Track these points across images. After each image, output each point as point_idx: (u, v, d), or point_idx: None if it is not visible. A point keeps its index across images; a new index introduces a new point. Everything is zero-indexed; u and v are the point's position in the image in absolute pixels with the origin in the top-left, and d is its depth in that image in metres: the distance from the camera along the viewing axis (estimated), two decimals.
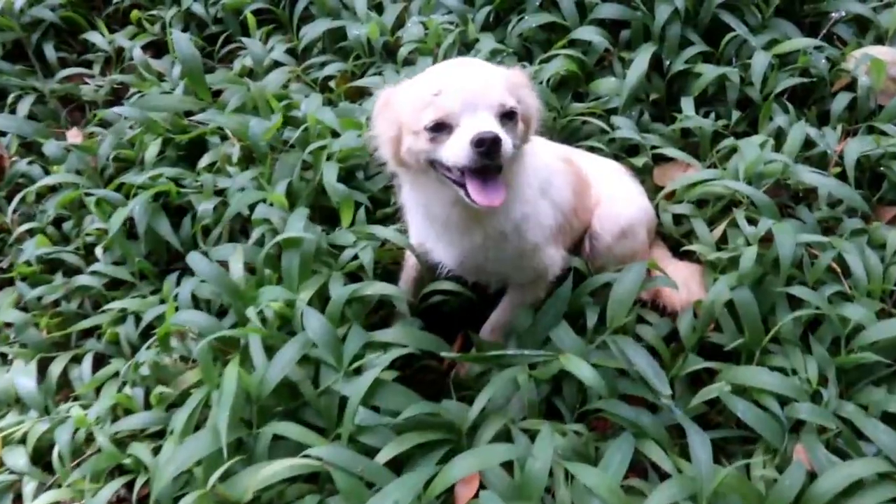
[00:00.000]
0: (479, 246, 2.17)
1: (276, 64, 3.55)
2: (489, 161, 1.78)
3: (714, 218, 2.79)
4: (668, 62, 3.26)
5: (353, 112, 3.01)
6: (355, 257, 2.48)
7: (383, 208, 2.84)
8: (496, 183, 1.84)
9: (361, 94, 3.31)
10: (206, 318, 2.37)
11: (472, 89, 1.81)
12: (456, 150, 1.80)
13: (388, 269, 2.70)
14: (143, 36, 3.87)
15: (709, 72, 3.17)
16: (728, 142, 2.99)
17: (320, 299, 2.32)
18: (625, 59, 3.27)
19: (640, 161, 2.98)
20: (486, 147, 1.74)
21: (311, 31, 3.59)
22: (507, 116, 1.86)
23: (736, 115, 3.12)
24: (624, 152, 3.07)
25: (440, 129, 1.83)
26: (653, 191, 2.92)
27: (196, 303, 2.50)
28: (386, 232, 2.54)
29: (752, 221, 2.59)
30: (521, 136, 1.97)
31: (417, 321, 2.44)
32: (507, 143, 1.79)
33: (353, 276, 2.46)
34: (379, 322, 2.52)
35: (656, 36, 3.23)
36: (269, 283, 2.41)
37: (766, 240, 2.45)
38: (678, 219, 2.82)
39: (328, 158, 2.75)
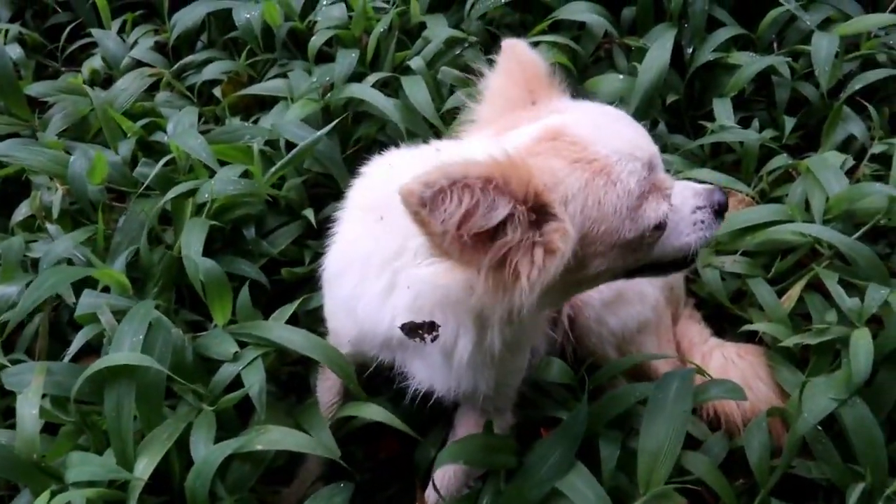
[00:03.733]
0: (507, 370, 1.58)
1: (140, 65, 2.73)
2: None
3: (778, 277, 2.10)
4: (689, 50, 2.51)
5: (241, 134, 2.00)
6: (237, 379, 1.62)
7: (295, 265, 2.06)
8: None
9: (262, 106, 2.51)
10: None
11: (647, 140, 1.39)
12: (682, 233, 1.40)
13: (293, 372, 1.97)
14: None
15: (749, 63, 2.46)
16: (780, 160, 2.31)
17: (181, 463, 1.53)
18: (630, 46, 2.57)
19: None
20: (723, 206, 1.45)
21: (187, 17, 2.73)
22: None
23: (790, 122, 2.40)
24: None
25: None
26: None
27: None
28: (290, 334, 1.69)
29: (846, 285, 1.90)
30: None
31: (345, 489, 1.48)
32: None
33: (241, 408, 1.66)
34: (280, 472, 1.75)
35: (674, 15, 2.51)
36: (88, 441, 1.52)
37: (876, 319, 1.79)
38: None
39: (196, 212, 1.73)
